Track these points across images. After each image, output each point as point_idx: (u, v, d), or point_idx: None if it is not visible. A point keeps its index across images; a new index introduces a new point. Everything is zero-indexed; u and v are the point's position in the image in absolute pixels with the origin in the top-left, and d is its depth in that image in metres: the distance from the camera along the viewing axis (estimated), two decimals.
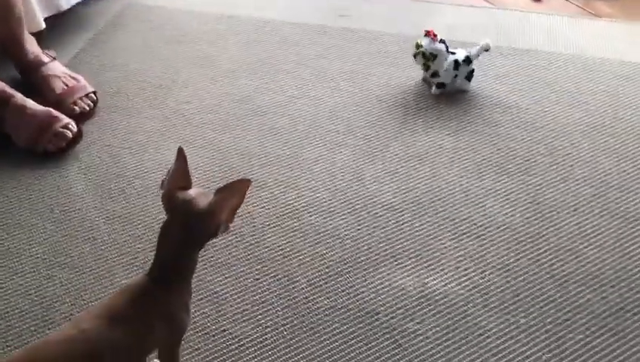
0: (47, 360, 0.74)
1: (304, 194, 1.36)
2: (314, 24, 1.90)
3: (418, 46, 1.57)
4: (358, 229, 1.28)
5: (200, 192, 0.82)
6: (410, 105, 1.59)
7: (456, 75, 1.57)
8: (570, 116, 1.55)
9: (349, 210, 1.32)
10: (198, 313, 1.12)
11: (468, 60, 1.57)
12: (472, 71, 1.59)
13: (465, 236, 1.26)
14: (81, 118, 1.52)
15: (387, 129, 1.53)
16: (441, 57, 1.55)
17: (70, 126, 1.45)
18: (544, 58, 1.75)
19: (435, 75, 1.57)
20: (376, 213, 1.31)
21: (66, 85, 1.56)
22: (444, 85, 1.58)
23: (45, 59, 1.61)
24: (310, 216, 1.31)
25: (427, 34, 1.55)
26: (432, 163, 1.43)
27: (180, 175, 0.82)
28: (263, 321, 1.11)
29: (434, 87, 1.59)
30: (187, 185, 0.83)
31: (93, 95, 1.58)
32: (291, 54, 1.78)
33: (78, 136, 1.46)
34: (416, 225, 1.29)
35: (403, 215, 1.31)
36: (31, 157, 1.45)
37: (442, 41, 1.55)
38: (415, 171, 1.41)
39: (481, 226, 1.28)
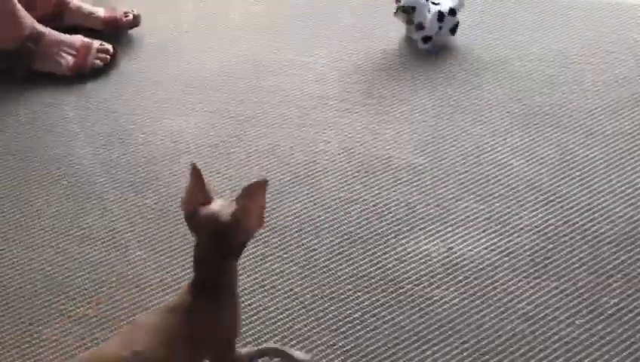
0: None
1: (319, 158, 1.30)
2: None
3: (397, 1, 1.49)
4: (378, 193, 1.22)
5: (222, 204, 0.78)
6: (427, 61, 1.51)
7: (440, 27, 1.48)
8: (596, 67, 1.46)
9: (367, 174, 1.26)
10: None
11: (453, 12, 1.48)
12: (457, 24, 1.50)
13: (491, 197, 1.20)
14: (133, 23, 1.59)
15: (403, 86, 1.45)
16: (420, 8, 1.46)
17: (105, 43, 1.52)
18: (565, 5, 1.64)
19: (420, 27, 1.48)
20: (396, 176, 1.25)
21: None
22: (431, 38, 1.50)
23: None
24: (327, 180, 1.26)
25: None
26: (453, 120, 1.36)
27: (197, 191, 0.77)
28: (281, 290, 1.07)
29: (420, 42, 1.50)
30: (207, 200, 0.77)
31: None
32: (300, 9, 1.69)
33: (116, 52, 1.53)
34: (439, 186, 1.23)
35: (424, 176, 1.25)
36: (33, 129, 1.40)
37: None
38: (435, 130, 1.34)
39: (507, 186, 1.22)
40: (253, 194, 0.75)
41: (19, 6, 1.46)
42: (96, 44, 1.51)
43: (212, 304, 0.79)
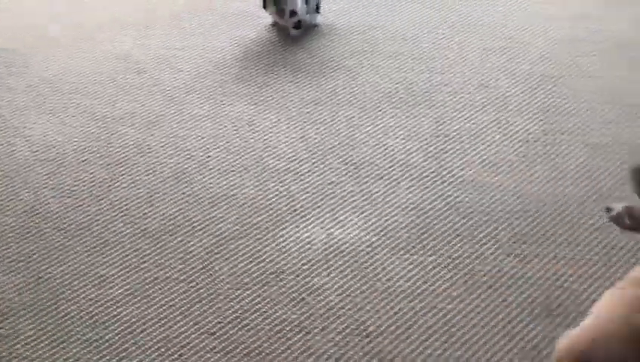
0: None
1: (194, 154, 1.25)
2: None
3: None
4: (256, 185, 1.19)
5: None
6: (300, 47, 1.49)
7: (307, 11, 1.48)
8: (466, 41, 1.50)
9: (244, 166, 1.23)
10: (82, 298, 1.01)
11: None
12: (319, 2, 1.51)
13: (367, 178, 1.20)
14: None
15: (280, 74, 1.42)
16: None
17: None
18: None
19: (292, 14, 1.46)
20: (275, 166, 1.23)
21: None
22: (301, 22, 1.48)
23: None
24: (203, 177, 1.21)
25: None
26: (330, 105, 1.35)
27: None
28: (157, 298, 1.02)
29: (292, 30, 1.49)
30: None
31: None
32: (168, 3, 1.62)
33: None
34: (317, 173, 1.22)
35: (302, 165, 1.23)
36: None
37: None
38: (312, 116, 1.33)
39: (382, 167, 1.23)
40: None
41: None
42: None
43: None
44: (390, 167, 1.22)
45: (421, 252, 1.09)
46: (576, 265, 1.05)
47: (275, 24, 1.54)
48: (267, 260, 1.08)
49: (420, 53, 1.47)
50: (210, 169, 1.23)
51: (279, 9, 1.47)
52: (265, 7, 1.47)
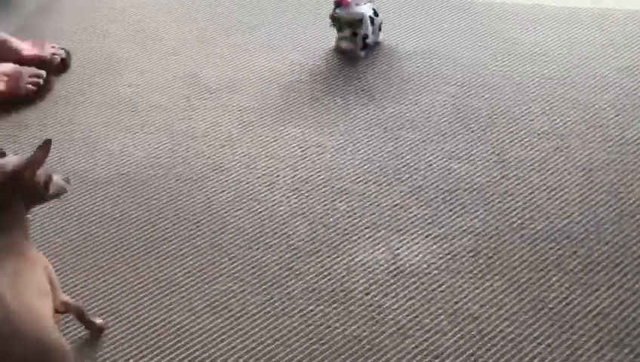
0: None
1: (265, 173, 1.31)
2: None
3: (337, 18, 1.51)
4: (324, 204, 1.24)
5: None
6: (367, 69, 1.54)
7: (373, 31, 1.54)
8: (526, 69, 1.53)
9: (312, 186, 1.28)
10: (163, 307, 1.07)
11: (376, 13, 1.54)
12: (382, 22, 1.58)
13: (432, 202, 1.24)
14: (61, 67, 1.56)
15: (344, 97, 1.48)
16: (365, 19, 1.50)
17: (37, 71, 1.50)
18: (496, 10, 1.71)
19: (365, 37, 1.52)
20: (341, 187, 1.27)
21: (28, 46, 1.58)
22: (368, 44, 1.54)
23: None
24: (273, 195, 1.26)
25: (340, 3, 1.50)
26: (393, 129, 1.39)
27: None
28: (234, 310, 1.07)
29: (358, 51, 1.54)
30: None
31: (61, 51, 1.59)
32: (233, 24, 1.69)
33: (48, 81, 1.51)
34: (382, 195, 1.26)
35: (368, 186, 1.27)
36: None
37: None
38: (377, 140, 1.37)
39: (447, 191, 1.26)
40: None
41: None
42: (29, 69, 1.50)
43: None
44: (454, 192, 1.26)
45: (488, 276, 1.11)
46: None
47: (337, 49, 1.59)
48: (337, 277, 1.12)
49: (482, 80, 1.50)
50: (280, 188, 1.28)
51: (354, 32, 1.53)
52: (340, 30, 1.53)
